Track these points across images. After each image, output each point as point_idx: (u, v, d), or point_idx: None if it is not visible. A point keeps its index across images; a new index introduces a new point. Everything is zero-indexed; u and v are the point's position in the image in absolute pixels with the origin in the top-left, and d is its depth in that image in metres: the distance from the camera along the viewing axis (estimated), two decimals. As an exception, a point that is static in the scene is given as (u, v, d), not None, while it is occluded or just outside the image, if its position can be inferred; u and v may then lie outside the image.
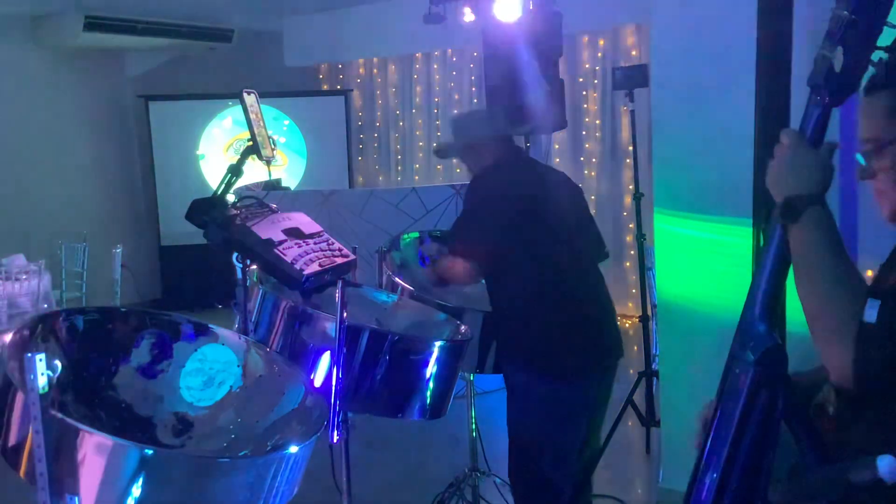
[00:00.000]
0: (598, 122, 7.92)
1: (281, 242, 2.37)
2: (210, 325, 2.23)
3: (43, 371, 1.53)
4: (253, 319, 2.67)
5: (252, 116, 3.03)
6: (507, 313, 2.90)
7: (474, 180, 2.98)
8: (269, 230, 2.42)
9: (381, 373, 2.51)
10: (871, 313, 1.24)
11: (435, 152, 3.39)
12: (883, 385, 1.25)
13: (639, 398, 4.45)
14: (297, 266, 2.32)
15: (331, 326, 2.41)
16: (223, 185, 2.59)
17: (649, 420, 4.45)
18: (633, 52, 7.66)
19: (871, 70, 1.38)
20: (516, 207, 2.84)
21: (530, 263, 2.82)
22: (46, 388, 1.54)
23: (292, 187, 8.68)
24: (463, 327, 2.94)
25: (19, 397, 1.63)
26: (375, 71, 9.45)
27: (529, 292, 2.82)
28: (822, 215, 1.41)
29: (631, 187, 6.47)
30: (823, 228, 1.40)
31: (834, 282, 1.35)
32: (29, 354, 1.53)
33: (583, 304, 2.87)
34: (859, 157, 1.43)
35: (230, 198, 2.64)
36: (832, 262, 1.37)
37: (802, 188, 1.43)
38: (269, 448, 1.99)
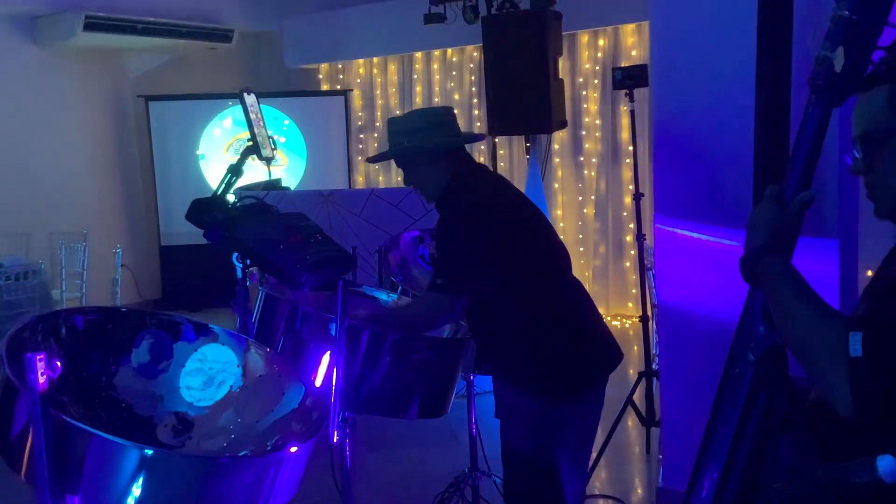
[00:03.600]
0: (598, 122, 7.92)
1: (281, 242, 2.37)
2: (210, 325, 2.23)
3: (43, 371, 1.53)
4: (253, 319, 2.68)
5: (252, 116, 3.04)
6: (498, 336, 2.64)
7: (450, 206, 2.64)
8: (269, 230, 2.41)
9: (381, 372, 2.51)
10: (855, 347, 1.23)
11: (368, 160, 2.99)
12: (886, 413, 1.24)
13: (639, 398, 4.45)
14: (297, 266, 2.32)
15: (331, 326, 2.41)
16: (223, 185, 2.59)
17: (649, 420, 4.46)
18: (633, 52, 7.67)
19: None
20: (509, 222, 2.61)
21: (526, 282, 2.59)
22: (46, 388, 1.54)
23: (292, 187, 8.68)
24: (463, 326, 2.94)
25: (19, 397, 1.63)
26: (375, 71, 9.45)
27: (524, 314, 2.59)
28: (776, 265, 1.43)
29: (631, 187, 6.47)
30: (780, 276, 1.42)
31: (806, 325, 1.34)
32: (29, 354, 1.53)
33: (576, 319, 2.67)
34: (849, 158, 1.43)
35: (230, 198, 2.64)
36: (799, 308, 1.36)
37: (756, 241, 1.46)
38: (269, 448, 1.99)
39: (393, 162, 2.79)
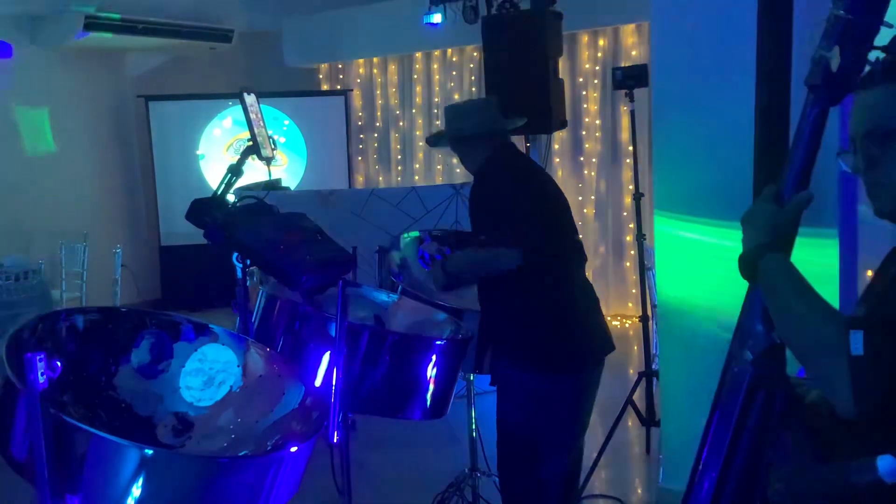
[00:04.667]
0: (598, 122, 7.92)
1: (281, 242, 2.37)
2: (210, 325, 2.23)
3: (43, 371, 1.53)
4: (253, 319, 2.68)
5: (252, 116, 3.04)
6: (501, 306, 2.84)
7: (486, 179, 2.88)
8: (269, 230, 2.42)
9: (381, 373, 2.52)
10: (856, 346, 1.23)
11: (427, 141, 3.28)
12: (887, 412, 1.24)
13: (639, 398, 4.45)
14: (297, 266, 2.32)
15: (331, 326, 2.41)
16: (223, 185, 2.59)
17: (649, 420, 4.46)
18: (633, 52, 7.67)
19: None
20: (537, 196, 2.84)
21: (550, 251, 2.78)
22: (46, 388, 1.54)
23: (292, 187, 8.68)
24: (463, 327, 2.95)
25: (20, 397, 1.63)
26: (375, 71, 9.45)
27: (527, 286, 2.77)
28: (776, 263, 1.42)
29: (631, 187, 6.46)
30: (781, 276, 1.40)
31: (807, 325, 1.33)
32: (29, 354, 1.53)
33: (576, 299, 2.86)
34: (842, 162, 1.43)
35: (230, 198, 2.64)
36: (799, 307, 1.35)
37: (756, 240, 1.45)
38: (269, 448, 1.99)
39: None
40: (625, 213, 7.84)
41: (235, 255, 2.51)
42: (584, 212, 8.06)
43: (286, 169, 9.26)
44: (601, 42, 7.85)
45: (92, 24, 7.80)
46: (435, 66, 8.96)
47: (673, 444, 3.77)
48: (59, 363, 1.56)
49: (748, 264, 1.45)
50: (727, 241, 3.43)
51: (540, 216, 2.78)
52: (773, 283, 1.41)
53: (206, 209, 2.46)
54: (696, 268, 3.59)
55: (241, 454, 2.02)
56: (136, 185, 9.36)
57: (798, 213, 1.46)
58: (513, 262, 2.72)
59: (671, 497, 3.66)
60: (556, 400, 2.77)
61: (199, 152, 9.22)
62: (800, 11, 2.82)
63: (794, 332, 1.36)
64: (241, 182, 3.63)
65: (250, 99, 2.99)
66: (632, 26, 7.62)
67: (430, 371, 2.60)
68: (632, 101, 4.62)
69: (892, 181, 1.37)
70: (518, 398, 2.81)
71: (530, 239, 2.73)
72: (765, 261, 1.42)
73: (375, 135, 9.51)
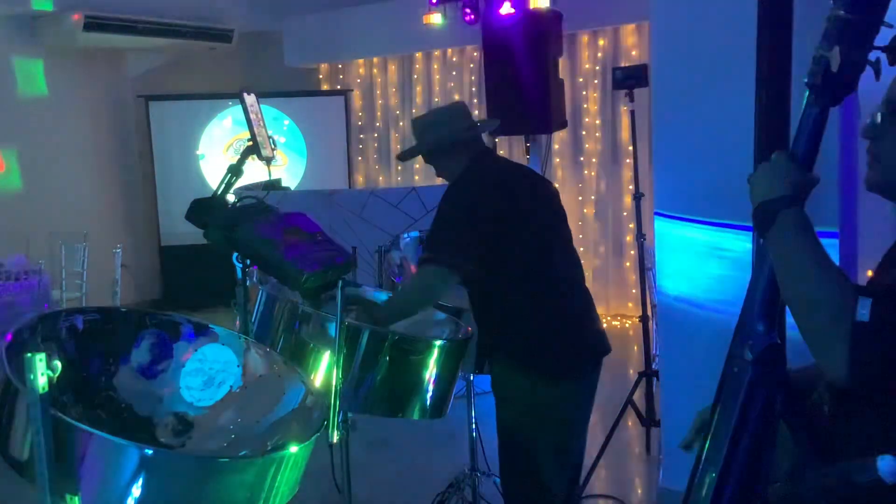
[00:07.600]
0: (598, 122, 7.92)
1: (281, 242, 2.37)
2: (210, 325, 2.22)
3: (43, 371, 1.53)
4: (253, 319, 2.68)
5: (252, 116, 3.04)
6: (494, 316, 2.79)
7: (452, 187, 2.80)
8: (269, 230, 2.41)
9: (381, 372, 2.52)
10: (863, 312, 1.23)
11: (398, 157, 3.14)
12: (880, 383, 1.25)
13: (639, 398, 4.45)
14: (297, 266, 2.32)
15: (331, 326, 2.41)
16: (223, 185, 2.59)
17: (649, 420, 4.46)
18: (633, 52, 7.67)
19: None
20: (503, 208, 2.72)
21: (518, 265, 2.72)
22: (46, 388, 1.54)
23: (292, 187, 8.68)
24: (463, 326, 2.95)
25: (20, 397, 1.63)
26: (375, 71, 9.45)
27: (516, 294, 2.72)
28: (797, 217, 1.41)
29: (631, 187, 6.47)
30: (799, 230, 1.40)
31: (817, 282, 1.34)
32: (29, 354, 1.53)
33: (569, 304, 2.80)
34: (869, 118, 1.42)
35: (230, 198, 2.64)
36: (812, 264, 1.36)
37: (777, 192, 1.44)
38: (269, 448, 1.99)
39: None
40: (625, 213, 7.84)
41: (235, 255, 2.51)
42: (584, 212, 8.07)
43: (286, 169, 9.26)
44: (601, 42, 7.85)
45: (92, 24, 7.80)
46: (435, 66, 8.97)
47: (673, 444, 3.77)
48: (59, 363, 1.56)
49: (767, 214, 1.43)
50: (727, 242, 3.43)
51: (486, 231, 2.66)
52: (790, 237, 1.40)
53: (206, 209, 2.46)
54: (696, 268, 3.59)
55: (241, 454, 2.02)
56: (136, 185, 9.37)
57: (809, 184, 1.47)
58: (439, 283, 2.66)
59: (671, 497, 3.67)
60: (553, 406, 2.72)
61: (199, 152, 9.22)
62: (800, 11, 2.82)
63: (803, 288, 1.35)
64: (241, 182, 3.63)
65: (250, 99, 2.98)
66: (632, 26, 7.62)
67: (430, 371, 2.60)
68: (632, 101, 4.62)
69: (888, 157, 1.38)
70: (515, 405, 2.76)
71: (463, 253, 2.64)
72: (785, 214, 1.41)
73: (375, 135, 9.51)
